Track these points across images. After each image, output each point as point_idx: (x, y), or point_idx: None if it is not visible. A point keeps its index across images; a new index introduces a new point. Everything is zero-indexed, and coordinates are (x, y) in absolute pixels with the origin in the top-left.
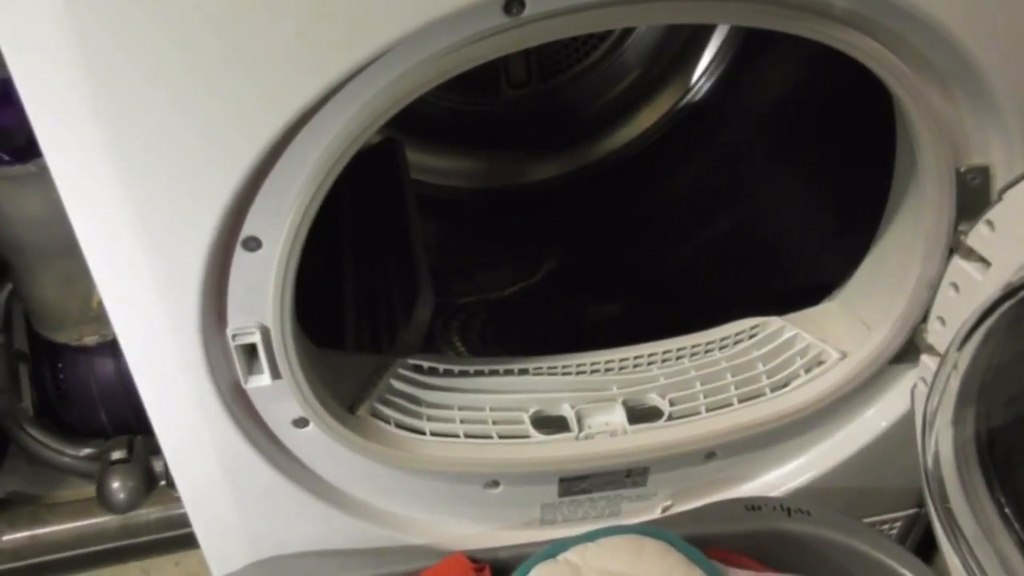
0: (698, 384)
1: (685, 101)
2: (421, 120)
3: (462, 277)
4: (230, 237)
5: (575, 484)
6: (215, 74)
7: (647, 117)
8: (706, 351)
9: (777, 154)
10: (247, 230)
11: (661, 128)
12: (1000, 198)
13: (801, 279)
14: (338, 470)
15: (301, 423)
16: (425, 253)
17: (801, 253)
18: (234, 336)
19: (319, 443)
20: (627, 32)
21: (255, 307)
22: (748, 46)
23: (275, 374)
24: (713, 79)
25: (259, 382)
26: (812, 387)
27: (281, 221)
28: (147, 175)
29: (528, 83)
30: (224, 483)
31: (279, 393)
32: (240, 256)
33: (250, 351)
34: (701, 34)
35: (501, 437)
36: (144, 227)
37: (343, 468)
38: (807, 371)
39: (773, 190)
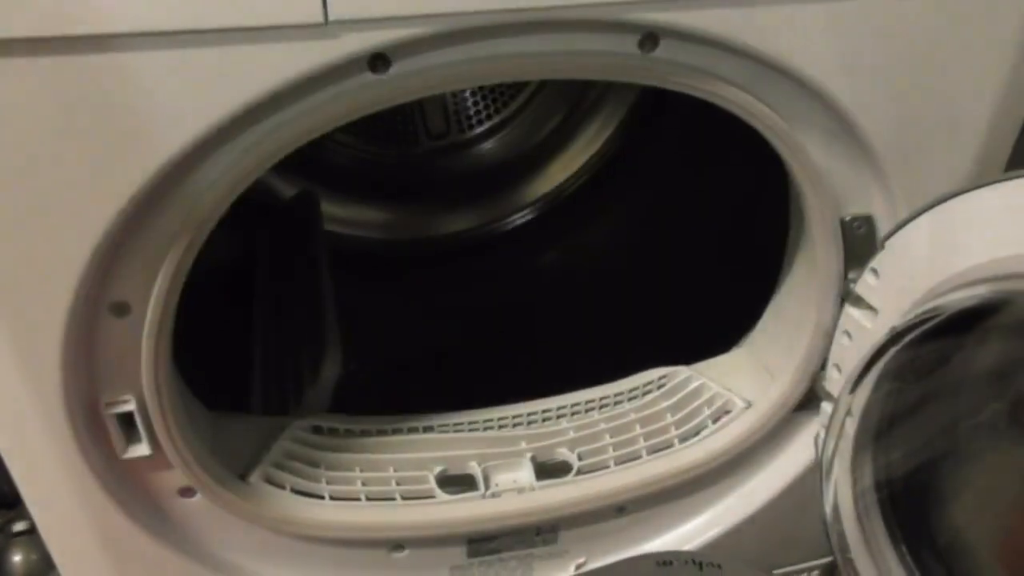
0: (607, 437)
1: (598, 156)
2: (340, 172)
3: (372, 333)
4: (95, 302)
5: (484, 545)
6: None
7: (560, 171)
8: (615, 402)
9: (690, 206)
10: (113, 295)
11: (575, 182)
12: (883, 246)
13: (713, 326)
14: (232, 540)
15: (188, 492)
16: (335, 309)
17: (713, 299)
18: (107, 405)
19: (209, 513)
20: (542, 85)
21: (129, 375)
22: (659, 101)
23: (154, 444)
24: (624, 135)
25: (138, 452)
26: (719, 437)
27: (150, 286)
28: None
29: (447, 134)
30: (105, 561)
31: (161, 463)
32: (108, 322)
33: (127, 419)
34: (615, 91)
35: (405, 498)
36: None
37: (237, 538)
38: (715, 421)
39: (686, 242)
